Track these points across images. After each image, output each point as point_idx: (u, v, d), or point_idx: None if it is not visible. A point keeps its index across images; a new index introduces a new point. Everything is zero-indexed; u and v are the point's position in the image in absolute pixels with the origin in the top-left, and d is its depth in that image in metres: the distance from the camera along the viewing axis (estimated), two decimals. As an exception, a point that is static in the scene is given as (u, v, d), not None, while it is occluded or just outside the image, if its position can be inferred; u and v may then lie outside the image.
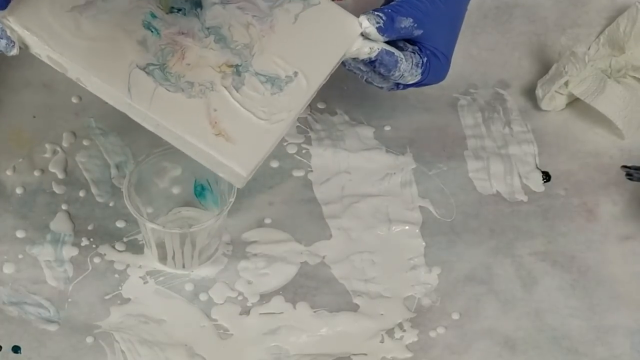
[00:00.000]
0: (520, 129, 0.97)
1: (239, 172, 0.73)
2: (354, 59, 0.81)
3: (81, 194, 0.90)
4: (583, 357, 0.81)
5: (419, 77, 0.83)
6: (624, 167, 0.94)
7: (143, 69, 0.75)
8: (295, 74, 0.77)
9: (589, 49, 1.00)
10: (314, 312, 0.83)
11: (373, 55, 0.80)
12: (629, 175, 0.94)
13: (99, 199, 0.90)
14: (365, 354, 0.81)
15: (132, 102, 0.73)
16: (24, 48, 0.74)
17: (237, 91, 0.76)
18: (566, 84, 0.96)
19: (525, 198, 0.92)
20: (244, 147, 0.74)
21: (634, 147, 0.96)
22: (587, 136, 0.96)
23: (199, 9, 0.78)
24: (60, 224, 0.88)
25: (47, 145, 0.93)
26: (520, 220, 0.90)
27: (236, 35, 0.78)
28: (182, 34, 0.77)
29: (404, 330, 0.83)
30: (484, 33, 1.00)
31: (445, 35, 0.84)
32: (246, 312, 0.83)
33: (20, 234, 0.87)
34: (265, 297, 0.84)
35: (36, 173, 0.91)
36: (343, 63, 0.82)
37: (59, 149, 0.93)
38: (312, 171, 0.93)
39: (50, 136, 0.93)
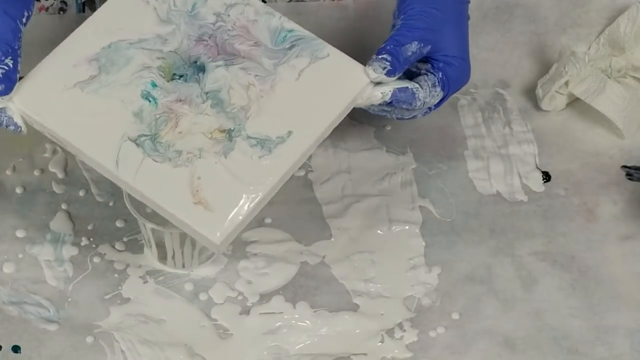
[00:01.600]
0: (520, 128, 0.97)
1: (212, 240, 0.74)
2: (373, 106, 0.81)
3: (81, 193, 0.90)
4: (583, 357, 0.81)
5: (441, 95, 0.82)
6: (624, 167, 0.94)
7: (134, 141, 0.76)
8: (289, 133, 0.77)
9: (589, 48, 1.00)
10: (314, 311, 0.83)
11: (387, 98, 0.80)
12: (629, 175, 0.94)
13: (98, 199, 0.90)
14: (365, 354, 0.81)
15: (119, 176, 0.76)
16: (30, 124, 0.78)
17: (226, 157, 0.76)
18: (566, 83, 0.96)
19: (525, 198, 0.92)
20: (220, 215, 0.75)
21: (634, 147, 0.96)
22: (587, 136, 0.96)
23: (201, 74, 0.79)
24: (60, 223, 0.88)
25: (46, 145, 0.93)
26: (520, 220, 0.90)
27: (234, 98, 0.78)
28: (180, 101, 0.78)
29: (404, 330, 0.83)
30: (484, 33, 1.00)
31: (454, 39, 0.83)
32: (246, 311, 0.83)
33: (20, 234, 0.87)
34: (265, 297, 0.84)
35: (36, 172, 0.91)
36: (366, 110, 0.82)
37: (58, 148, 0.93)
38: (312, 171, 0.93)
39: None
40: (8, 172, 0.91)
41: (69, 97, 0.78)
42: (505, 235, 0.89)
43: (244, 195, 0.75)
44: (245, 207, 0.75)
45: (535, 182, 0.93)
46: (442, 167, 0.94)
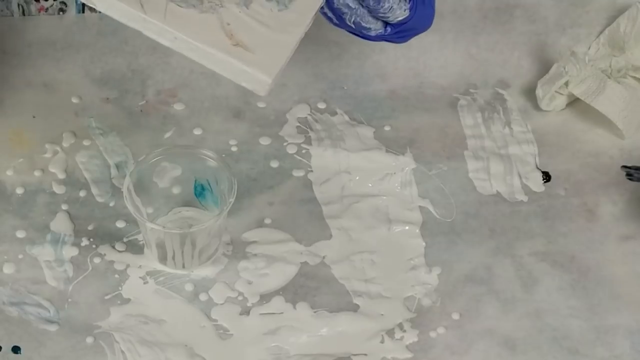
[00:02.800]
0: (520, 129, 0.97)
1: (263, 78, 0.72)
2: None
3: (81, 194, 0.90)
4: (583, 357, 0.81)
5: (407, 13, 0.81)
6: (624, 167, 0.94)
7: None
8: None
9: (589, 49, 1.00)
10: (314, 312, 0.83)
11: None
12: (629, 175, 0.94)
13: (99, 199, 0.90)
14: (366, 354, 0.81)
15: (147, 17, 0.72)
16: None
17: (247, 7, 0.74)
18: (566, 84, 0.96)
19: (525, 198, 0.92)
20: (263, 55, 0.72)
21: (634, 147, 0.96)
22: (587, 136, 0.96)
23: None
24: (60, 224, 0.88)
25: (47, 146, 0.93)
26: (520, 221, 0.90)
27: None
28: None
29: (404, 331, 0.83)
30: (484, 33, 1.00)
31: None
32: (246, 312, 0.83)
33: (20, 234, 0.87)
34: (265, 297, 0.84)
35: (36, 173, 0.91)
36: (329, 3, 0.80)
37: (59, 149, 0.93)
38: (312, 171, 0.93)
39: (50, 136, 0.93)
40: (8, 173, 0.91)
41: None
42: (505, 235, 0.89)
43: (278, 39, 0.73)
44: (283, 51, 0.73)
45: (535, 183, 0.93)
46: (442, 167, 0.94)
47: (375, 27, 0.82)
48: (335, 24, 0.82)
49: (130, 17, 0.72)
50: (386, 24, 0.82)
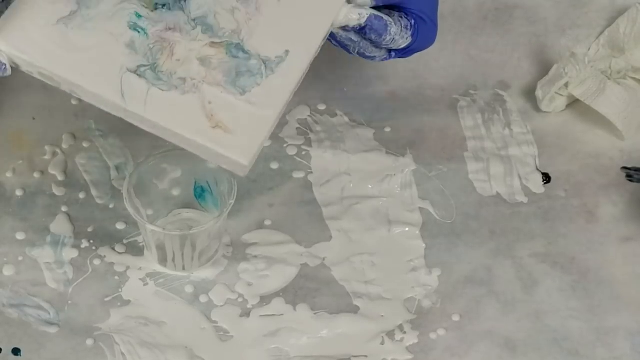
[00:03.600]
0: (520, 130, 0.97)
1: (240, 162, 0.73)
2: (343, 28, 0.80)
3: (81, 195, 0.90)
4: (583, 358, 0.81)
5: (409, 40, 0.82)
6: (624, 168, 0.94)
7: (134, 72, 0.74)
8: (287, 52, 0.77)
9: (589, 50, 1.00)
10: (315, 314, 0.83)
11: (363, 21, 0.79)
12: (629, 177, 0.94)
13: (98, 201, 0.90)
14: (366, 356, 0.81)
15: (128, 107, 0.73)
16: (15, 67, 0.74)
17: (234, 85, 0.75)
18: (566, 85, 0.96)
19: (525, 199, 0.92)
20: (242, 136, 0.73)
21: (634, 149, 0.96)
22: (587, 137, 0.96)
23: (183, 2, 0.77)
24: (60, 226, 0.88)
25: (46, 147, 0.93)
26: (520, 222, 0.90)
27: (223, 23, 0.77)
28: (170, 29, 0.76)
29: (405, 332, 0.83)
30: (484, 34, 1.00)
31: (428, 0, 0.83)
32: (246, 314, 0.83)
33: (20, 236, 0.87)
34: (265, 299, 0.84)
35: (36, 175, 0.91)
36: (333, 37, 0.81)
37: (58, 150, 0.93)
38: (312, 173, 0.93)
39: (50, 138, 0.93)
40: (8, 175, 0.91)
41: (54, 33, 0.74)
42: (506, 236, 0.89)
43: (259, 116, 0.74)
44: (263, 127, 0.74)
45: (536, 184, 0.93)
46: (442, 168, 0.94)
47: (380, 55, 0.83)
48: (345, 50, 0.83)
49: (112, 108, 0.74)
50: (390, 50, 0.83)
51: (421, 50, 0.84)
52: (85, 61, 0.74)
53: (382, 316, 0.84)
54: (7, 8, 0.75)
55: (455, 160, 0.94)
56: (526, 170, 0.94)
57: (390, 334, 0.82)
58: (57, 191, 0.90)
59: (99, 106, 0.74)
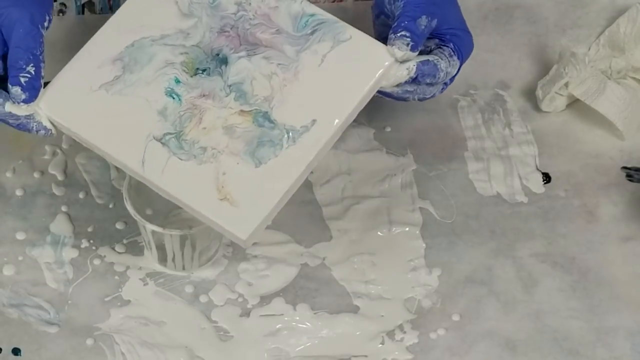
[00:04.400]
0: (520, 130, 0.97)
1: (239, 237, 0.75)
2: (397, 86, 0.80)
3: (81, 195, 0.90)
4: (583, 358, 0.81)
5: (458, 63, 0.82)
6: (624, 168, 0.94)
7: (159, 140, 0.77)
8: (313, 122, 0.77)
9: (589, 50, 1.00)
10: (315, 313, 0.83)
11: (413, 73, 0.79)
12: (629, 177, 0.94)
13: (98, 201, 0.90)
14: (366, 356, 0.81)
15: (145, 176, 0.76)
16: (58, 127, 0.79)
17: (252, 156, 0.76)
18: (566, 85, 0.96)
19: (525, 199, 0.92)
20: (246, 210, 0.75)
21: (634, 148, 0.95)
22: (588, 137, 0.96)
23: (224, 66, 0.79)
24: (60, 225, 0.88)
25: (46, 147, 0.93)
26: (520, 222, 0.90)
27: (257, 89, 0.78)
28: (203, 96, 0.78)
29: (405, 332, 0.83)
30: (484, 34, 1.00)
31: (454, 12, 0.84)
32: (246, 313, 0.83)
33: (20, 236, 0.87)
34: (265, 299, 0.84)
35: (36, 175, 0.91)
36: (390, 94, 0.81)
37: (58, 150, 0.93)
38: (312, 172, 0.92)
39: (50, 138, 0.93)
40: (8, 174, 0.91)
41: (95, 99, 0.78)
42: (506, 236, 0.89)
43: (268, 190, 0.75)
44: (271, 201, 0.75)
45: (536, 184, 0.93)
46: (442, 168, 0.93)
47: (439, 89, 0.83)
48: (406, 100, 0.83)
49: (131, 173, 0.77)
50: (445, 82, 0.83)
51: (466, 61, 0.84)
52: (116, 128, 0.77)
53: (382, 316, 0.84)
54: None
55: (456, 160, 0.94)
56: (526, 170, 0.94)
57: (390, 334, 0.82)
58: (57, 191, 0.90)
59: (121, 168, 0.78)
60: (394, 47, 0.79)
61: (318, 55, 0.79)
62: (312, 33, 0.80)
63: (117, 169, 0.92)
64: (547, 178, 0.93)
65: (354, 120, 0.96)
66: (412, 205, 0.91)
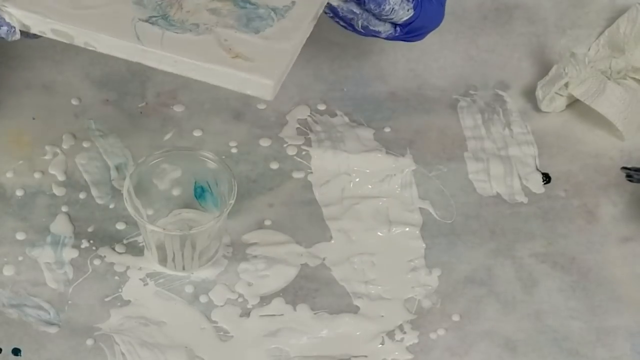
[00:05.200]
0: (520, 130, 0.97)
1: (266, 82, 0.73)
2: (345, 1, 0.80)
3: (81, 196, 0.90)
4: (583, 358, 0.81)
5: (411, 13, 0.81)
6: (624, 168, 0.94)
7: (146, 21, 0.75)
8: (293, 3, 0.77)
9: (589, 50, 1.00)
10: (315, 314, 0.83)
11: None
12: (629, 177, 0.94)
13: (99, 201, 0.90)
14: (366, 356, 0.81)
15: (145, 47, 0.74)
16: (26, 30, 0.75)
17: (245, 27, 0.76)
18: (566, 85, 0.96)
19: (525, 199, 0.92)
20: (263, 62, 0.73)
21: (634, 149, 0.95)
22: (587, 137, 0.96)
23: None
24: (60, 226, 0.88)
25: (47, 147, 0.93)
26: (520, 222, 0.90)
27: None
28: None
29: (405, 332, 0.83)
30: (484, 34, 1.00)
31: None
32: (246, 314, 0.83)
33: (20, 236, 0.87)
34: (265, 299, 0.84)
35: (36, 175, 0.91)
36: (336, 12, 0.81)
37: (58, 150, 0.93)
38: (312, 173, 0.93)
39: (50, 138, 0.93)
40: (8, 175, 0.91)
41: None
42: (506, 237, 0.89)
43: (276, 47, 0.74)
44: (283, 57, 0.74)
45: (535, 184, 0.93)
46: (442, 168, 0.93)
47: (385, 29, 0.83)
48: (349, 30, 0.83)
49: (130, 52, 0.74)
50: (395, 25, 0.82)
51: (427, 30, 0.84)
52: (96, 16, 0.74)
53: (382, 316, 0.84)
54: None
55: (455, 160, 0.94)
56: (526, 170, 0.94)
57: (390, 334, 0.82)
58: (57, 191, 0.90)
59: (114, 53, 0.74)
60: None
61: None
62: None
63: (117, 169, 0.92)
64: (547, 178, 0.94)
65: (354, 121, 0.97)
66: (412, 206, 0.91)
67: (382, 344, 0.82)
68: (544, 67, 1.00)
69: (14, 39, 0.75)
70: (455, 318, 0.84)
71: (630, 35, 0.98)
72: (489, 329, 0.83)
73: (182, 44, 0.74)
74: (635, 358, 0.81)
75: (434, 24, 0.84)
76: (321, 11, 0.79)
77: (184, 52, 0.73)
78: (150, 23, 0.75)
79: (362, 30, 0.83)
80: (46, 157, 0.92)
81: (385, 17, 0.81)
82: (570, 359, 0.81)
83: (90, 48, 0.75)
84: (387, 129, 0.96)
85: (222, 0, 0.77)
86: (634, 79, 0.98)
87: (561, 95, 0.97)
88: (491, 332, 0.83)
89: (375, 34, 0.83)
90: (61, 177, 0.91)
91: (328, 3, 0.80)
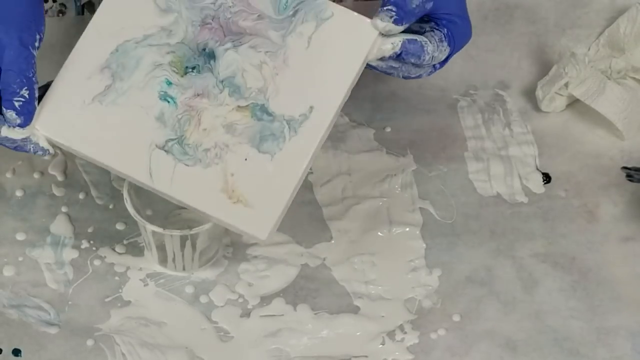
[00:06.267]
0: (520, 130, 0.97)
1: (258, 237, 0.76)
2: (381, 59, 0.80)
3: (81, 196, 0.90)
4: (584, 358, 0.81)
5: (448, 50, 0.81)
6: (624, 168, 0.94)
7: (162, 148, 0.77)
8: (311, 109, 0.77)
9: (589, 50, 1.00)
10: (315, 314, 0.83)
11: (397, 49, 0.79)
12: (629, 177, 0.94)
13: (98, 202, 0.90)
14: (366, 356, 0.81)
15: (155, 187, 0.76)
16: (56, 147, 0.79)
17: (258, 148, 0.77)
18: (566, 85, 0.96)
19: (525, 199, 0.92)
20: (261, 210, 0.76)
21: (634, 149, 0.96)
22: (587, 137, 0.96)
23: (212, 61, 0.78)
24: (60, 226, 0.88)
25: (46, 148, 0.93)
26: (520, 222, 0.90)
27: (250, 81, 0.78)
28: (198, 95, 0.78)
29: (405, 332, 0.83)
30: (484, 34, 1.00)
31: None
32: (247, 314, 0.83)
33: (20, 237, 0.87)
34: (265, 300, 0.84)
35: (36, 175, 0.91)
36: (374, 68, 0.81)
37: (58, 151, 0.93)
38: (312, 173, 0.93)
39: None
40: (8, 175, 0.91)
41: (90, 113, 0.77)
42: (506, 236, 0.89)
43: (279, 185, 0.76)
44: (284, 196, 0.75)
45: (536, 184, 0.93)
46: (442, 168, 0.94)
47: (426, 71, 0.82)
48: (391, 75, 0.82)
49: (141, 184, 0.78)
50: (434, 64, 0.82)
51: (459, 50, 0.83)
52: (117, 140, 0.77)
53: (383, 316, 0.84)
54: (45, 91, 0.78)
55: (456, 160, 0.94)
56: (526, 170, 0.94)
57: (391, 334, 0.82)
58: (57, 192, 0.90)
59: (129, 180, 0.78)
60: (377, 18, 0.78)
61: (304, 37, 0.78)
62: (294, 14, 0.79)
63: (117, 169, 0.92)
64: (547, 178, 0.94)
65: (354, 121, 0.97)
66: (412, 206, 0.91)
67: (383, 344, 0.82)
68: (544, 67, 1.00)
69: (49, 156, 0.81)
70: (456, 318, 0.84)
71: (630, 35, 0.98)
72: (489, 329, 0.83)
73: (189, 183, 0.76)
74: (635, 358, 0.81)
75: (465, 42, 0.84)
76: (339, 112, 0.79)
77: (190, 196, 0.76)
78: (165, 151, 0.76)
79: (402, 78, 0.82)
80: (46, 158, 0.92)
81: (425, 65, 0.81)
82: (570, 359, 0.81)
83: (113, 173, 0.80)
84: (387, 129, 0.96)
85: (241, 110, 0.77)
86: (634, 78, 0.98)
87: (561, 95, 0.97)
88: (492, 332, 0.83)
89: (417, 78, 0.83)
90: (61, 178, 0.91)
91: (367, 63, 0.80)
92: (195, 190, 0.76)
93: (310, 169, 0.93)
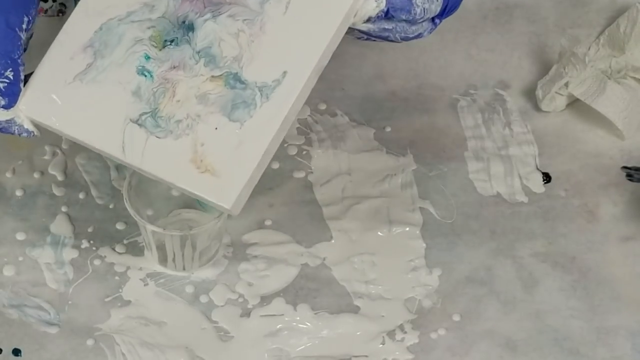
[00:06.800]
0: (520, 129, 0.97)
1: (223, 206, 0.74)
2: (370, 22, 0.76)
3: (81, 196, 0.90)
4: (584, 358, 0.81)
5: (440, 3, 0.77)
6: (625, 167, 0.94)
7: (136, 122, 0.76)
8: (284, 74, 0.75)
9: (589, 49, 1.00)
10: (315, 314, 0.83)
11: (383, 5, 0.75)
12: (630, 176, 0.94)
13: (98, 201, 0.90)
14: (366, 356, 0.81)
15: (127, 160, 0.76)
16: (40, 125, 0.78)
17: (229, 117, 0.76)
18: (566, 84, 0.96)
19: (525, 199, 0.92)
20: (227, 179, 0.74)
21: (634, 148, 0.95)
22: (588, 137, 0.96)
23: (191, 33, 0.77)
24: (60, 226, 0.88)
25: (46, 147, 0.93)
26: (520, 222, 0.90)
27: (226, 50, 0.77)
28: (174, 67, 0.77)
29: (405, 332, 0.83)
30: (484, 34, 1.00)
31: None
32: (247, 314, 0.83)
33: (20, 237, 0.87)
34: (265, 299, 0.84)
35: (36, 175, 0.91)
36: (367, 33, 0.78)
37: (58, 150, 0.93)
38: (312, 172, 0.93)
39: (50, 138, 0.93)
40: (8, 175, 0.91)
41: (71, 91, 0.77)
42: (506, 236, 0.89)
43: (247, 152, 0.74)
44: (250, 165, 0.74)
45: (536, 183, 0.93)
46: (442, 168, 0.93)
47: (424, 28, 0.78)
48: (391, 41, 0.79)
49: (112, 157, 0.77)
50: (432, 19, 0.78)
51: (454, 12, 0.79)
52: (94, 118, 0.76)
53: (383, 316, 0.84)
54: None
55: (456, 160, 0.94)
56: (526, 169, 0.94)
57: (391, 334, 0.82)
58: (57, 191, 0.90)
59: (104, 155, 0.78)
60: None
61: (282, 3, 0.77)
62: None
63: (117, 169, 0.92)
64: (547, 178, 0.94)
65: (354, 120, 0.97)
66: (412, 205, 0.91)
67: (383, 344, 0.82)
68: (544, 67, 1.00)
69: (35, 136, 0.79)
70: (456, 318, 0.84)
71: (631, 34, 0.98)
72: (489, 329, 0.83)
73: (160, 156, 0.75)
74: (636, 357, 0.81)
75: (456, 5, 0.79)
76: (319, 73, 0.77)
77: (159, 168, 0.75)
78: (138, 125, 0.75)
79: (402, 40, 0.79)
80: (46, 157, 0.92)
81: (419, 20, 0.77)
82: (570, 359, 0.81)
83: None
84: (387, 129, 0.96)
85: (215, 80, 0.76)
86: (634, 78, 0.98)
87: (561, 94, 0.97)
88: (492, 332, 0.83)
89: (418, 37, 0.79)
90: (61, 177, 0.91)
91: (357, 30, 0.78)
92: (165, 162, 0.75)
93: (310, 168, 0.93)
